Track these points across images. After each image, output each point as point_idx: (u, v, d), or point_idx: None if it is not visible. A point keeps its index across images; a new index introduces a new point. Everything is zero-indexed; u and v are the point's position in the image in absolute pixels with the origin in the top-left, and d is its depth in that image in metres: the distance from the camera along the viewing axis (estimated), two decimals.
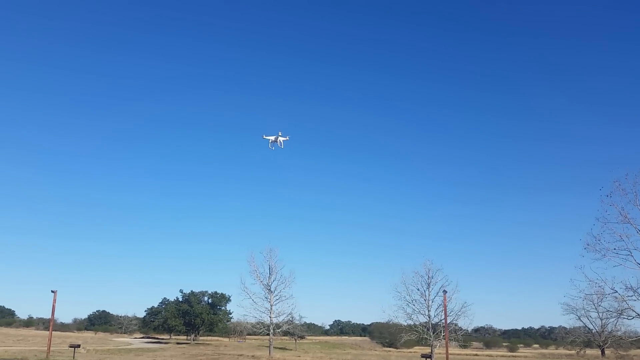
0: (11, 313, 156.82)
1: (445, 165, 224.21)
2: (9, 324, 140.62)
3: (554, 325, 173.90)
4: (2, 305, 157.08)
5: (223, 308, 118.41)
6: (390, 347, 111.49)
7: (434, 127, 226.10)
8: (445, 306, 39.60)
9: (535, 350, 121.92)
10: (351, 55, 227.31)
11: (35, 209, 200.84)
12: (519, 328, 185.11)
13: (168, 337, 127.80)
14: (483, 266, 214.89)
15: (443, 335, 42.79)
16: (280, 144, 50.72)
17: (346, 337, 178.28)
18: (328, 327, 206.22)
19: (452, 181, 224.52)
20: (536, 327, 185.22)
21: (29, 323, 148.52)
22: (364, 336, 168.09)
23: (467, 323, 48.65)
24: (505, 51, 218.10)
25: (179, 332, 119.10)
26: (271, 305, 53.28)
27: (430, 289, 45.74)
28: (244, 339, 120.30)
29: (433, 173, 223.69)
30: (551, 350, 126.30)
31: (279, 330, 56.50)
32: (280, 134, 50.82)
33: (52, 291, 39.78)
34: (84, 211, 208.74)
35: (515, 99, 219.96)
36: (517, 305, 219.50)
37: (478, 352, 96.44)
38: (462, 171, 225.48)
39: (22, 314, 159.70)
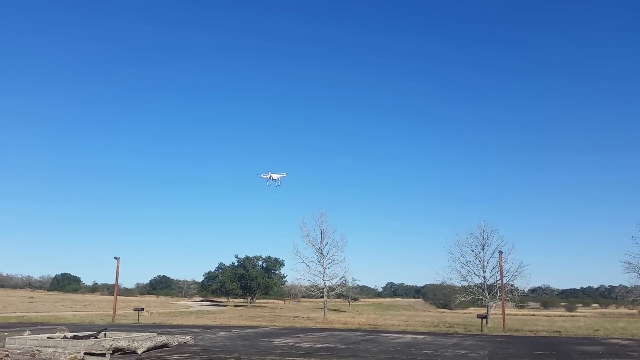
0: (77, 280, 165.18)
1: (498, 130, 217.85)
2: (75, 291, 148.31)
3: (614, 285, 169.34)
4: (68, 272, 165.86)
5: (277, 272, 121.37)
6: (444, 308, 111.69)
7: (479, 93, 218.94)
8: (501, 267, 38.98)
9: (594, 310, 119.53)
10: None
11: (96, 178, 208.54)
12: (578, 287, 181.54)
13: (225, 300, 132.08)
14: (540, 226, 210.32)
15: (499, 296, 42.30)
16: (278, 182, 53.35)
17: (399, 298, 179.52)
18: (381, 290, 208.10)
19: (506, 144, 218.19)
20: (595, 286, 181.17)
21: (94, 289, 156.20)
22: (417, 298, 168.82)
23: (524, 283, 47.86)
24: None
25: (235, 295, 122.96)
26: (324, 269, 53.90)
27: (485, 250, 45.20)
28: (299, 301, 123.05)
29: (487, 138, 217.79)
30: (611, 309, 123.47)
31: (332, 292, 57.26)
32: (280, 176, 53.93)
33: (115, 258, 41.50)
34: (143, 179, 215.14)
35: (566, 60, 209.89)
36: (576, 264, 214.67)
37: (535, 312, 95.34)
38: (514, 134, 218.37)
39: (87, 280, 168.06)
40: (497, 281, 43.62)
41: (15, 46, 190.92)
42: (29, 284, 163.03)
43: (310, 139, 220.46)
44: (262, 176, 54.04)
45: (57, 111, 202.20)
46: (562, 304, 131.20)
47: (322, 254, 53.90)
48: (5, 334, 19.03)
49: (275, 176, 53.30)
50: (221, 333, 27.34)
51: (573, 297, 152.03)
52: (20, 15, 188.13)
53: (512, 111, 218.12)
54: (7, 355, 14.77)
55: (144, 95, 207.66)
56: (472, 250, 45.69)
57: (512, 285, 45.64)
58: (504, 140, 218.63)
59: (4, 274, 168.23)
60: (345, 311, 78.92)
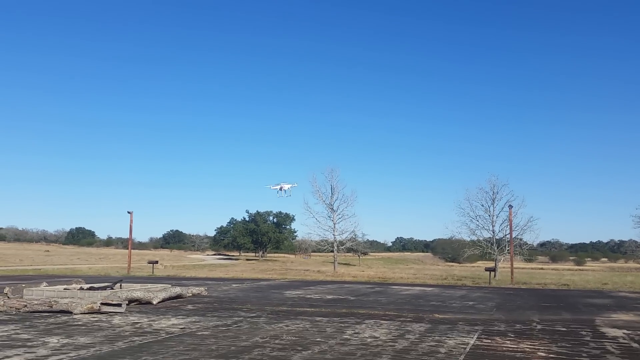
0: (91, 234, 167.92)
1: (508, 86, 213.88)
2: (90, 244, 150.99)
3: (623, 239, 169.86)
4: (82, 226, 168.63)
5: (288, 227, 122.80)
6: (452, 262, 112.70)
7: (490, 48, 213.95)
8: (510, 221, 39.13)
9: (603, 264, 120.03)
10: None
11: (110, 133, 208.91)
12: (587, 242, 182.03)
13: (237, 254, 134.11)
14: (550, 181, 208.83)
15: (507, 250, 42.63)
16: (289, 193, 53.70)
17: (408, 253, 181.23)
18: (390, 244, 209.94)
19: (517, 101, 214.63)
20: (605, 240, 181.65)
21: (109, 243, 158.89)
22: (426, 252, 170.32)
23: (533, 237, 48.17)
24: None
25: (247, 250, 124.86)
26: (334, 224, 54.44)
27: (495, 205, 45.33)
28: (309, 255, 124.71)
29: (495, 94, 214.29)
30: (620, 264, 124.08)
31: (342, 247, 57.99)
32: (291, 186, 54.24)
33: (129, 212, 42.10)
34: (156, 134, 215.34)
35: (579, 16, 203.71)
36: (586, 219, 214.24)
37: (544, 266, 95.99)
38: (525, 91, 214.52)
39: (101, 234, 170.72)
40: (506, 235, 43.88)
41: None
42: (44, 238, 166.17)
43: (319, 95, 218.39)
44: (272, 187, 54.71)
45: (70, 67, 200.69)
46: (571, 258, 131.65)
47: (332, 209, 54.33)
48: (23, 285, 19.54)
49: (285, 186, 53.92)
50: (234, 285, 27.91)
51: (582, 252, 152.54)
52: None
53: (523, 67, 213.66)
54: (25, 305, 15.21)
55: (157, 51, 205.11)
56: (482, 205, 45.86)
57: (521, 240, 45.89)
58: (514, 97, 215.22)
59: (20, 229, 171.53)
60: (355, 265, 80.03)
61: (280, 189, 53.95)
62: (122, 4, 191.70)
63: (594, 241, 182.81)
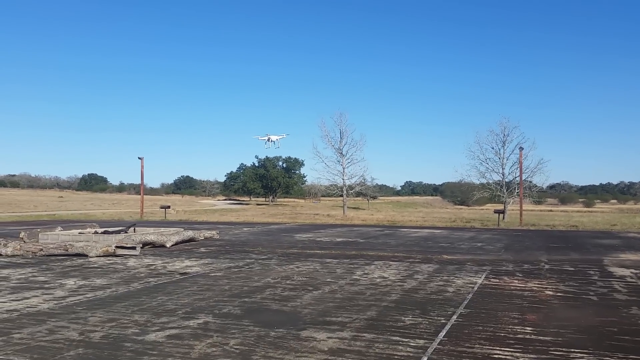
0: (104, 180, 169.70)
1: (518, 28, 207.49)
2: (102, 190, 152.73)
3: (634, 181, 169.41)
4: (94, 173, 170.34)
5: (297, 172, 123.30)
6: (462, 205, 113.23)
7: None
8: (520, 163, 38.94)
9: (612, 206, 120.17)
10: None
11: (119, 80, 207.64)
12: (597, 184, 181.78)
13: (248, 199, 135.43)
14: (560, 123, 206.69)
15: (517, 192, 42.65)
16: (277, 144, 52.16)
17: (417, 196, 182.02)
18: (399, 188, 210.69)
19: (526, 43, 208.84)
20: (615, 182, 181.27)
21: (121, 189, 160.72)
22: (436, 196, 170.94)
23: (543, 180, 48.14)
24: None
25: (257, 194, 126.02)
26: (343, 168, 54.50)
27: (505, 147, 45.05)
28: (319, 200, 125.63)
29: (507, 37, 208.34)
30: (629, 205, 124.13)
31: (351, 191, 58.30)
32: (279, 138, 52.66)
33: (139, 158, 42.36)
34: (164, 80, 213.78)
35: None
36: (595, 161, 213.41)
37: (553, 208, 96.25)
38: (535, 32, 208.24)
39: (113, 180, 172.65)
40: (515, 178, 43.83)
41: None
42: (57, 184, 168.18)
43: (326, 40, 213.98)
44: (260, 138, 53.84)
45: (79, 13, 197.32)
46: (580, 200, 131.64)
47: (341, 153, 54.28)
48: (38, 230, 19.92)
49: (274, 138, 53.04)
50: (245, 229, 28.30)
51: (592, 194, 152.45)
52: None
53: (533, 7, 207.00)
54: (41, 249, 15.55)
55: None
56: (492, 148, 45.62)
57: (530, 182, 45.86)
58: (524, 39, 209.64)
59: (33, 175, 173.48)
60: (364, 209, 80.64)
61: (268, 139, 53.53)
62: None
63: (604, 183, 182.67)
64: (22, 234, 18.90)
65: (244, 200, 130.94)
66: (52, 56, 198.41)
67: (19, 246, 15.68)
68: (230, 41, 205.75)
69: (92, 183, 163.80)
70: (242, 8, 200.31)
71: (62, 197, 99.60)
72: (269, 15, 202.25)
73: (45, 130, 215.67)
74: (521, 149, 39.03)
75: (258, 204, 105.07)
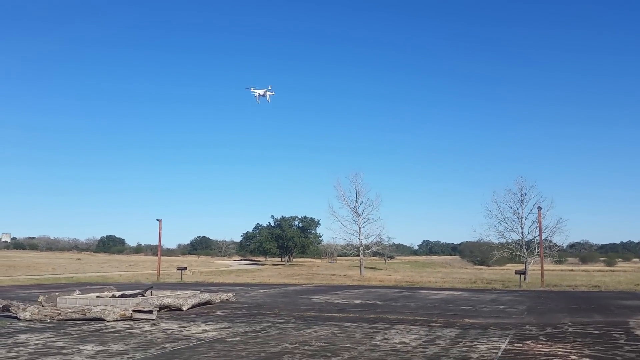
0: (122, 241, 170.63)
1: (534, 87, 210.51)
2: (120, 252, 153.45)
3: None
4: (112, 234, 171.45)
5: (313, 231, 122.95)
6: (481, 265, 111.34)
7: (515, 48, 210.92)
8: (540, 222, 38.54)
9: (635, 265, 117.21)
10: None
11: (138, 141, 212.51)
12: (617, 242, 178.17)
13: (264, 259, 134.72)
14: (578, 181, 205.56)
15: (537, 252, 41.99)
16: (268, 99, 51.59)
17: (435, 256, 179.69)
18: (417, 247, 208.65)
19: (542, 100, 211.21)
20: (636, 240, 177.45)
21: (138, 250, 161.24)
22: (454, 255, 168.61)
23: (563, 239, 47.42)
24: None
25: (273, 255, 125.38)
26: (359, 228, 54.33)
27: (523, 206, 44.81)
28: (335, 259, 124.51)
29: (523, 96, 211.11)
30: None
31: (368, 251, 57.83)
32: (270, 88, 51.95)
33: (158, 220, 42.64)
34: (179, 145, 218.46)
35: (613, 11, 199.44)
36: (615, 218, 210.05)
37: (574, 268, 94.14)
38: (551, 90, 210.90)
39: (131, 241, 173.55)
40: (535, 237, 43.26)
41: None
42: (75, 247, 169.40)
43: (343, 98, 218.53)
44: (252, 89, 52.11)
45: (97, 79, 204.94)
46: (602, 259, 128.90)
47: (357, 213, 54.25)
48: (57, 293, 19.95)
49: (261, 91, 51.76)
50: (261, 290, 28.06)
51: (613, 252, 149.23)
52: None
53: (548, 67, 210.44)
54: (59, 313, 15.54)
55: (175, 59, 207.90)
56: (510, 207, 45.37)
57: (550, 241, 45.24)
58: (540, 97, 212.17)
59: (52, 237, 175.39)
60: (381, 269, 79.64)
61: (264, 94, 51.95)
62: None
63: (625, 241, 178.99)
64: (40, 298, 18.93)
65: (259, 261, 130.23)
66: (69, 120, 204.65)
67: (37, 310, 15.69)
68: (242, 102, 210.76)
69: (110, 244, 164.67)
70: (252, 73, 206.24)
71: (80, 259, 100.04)
72: (284, 74, 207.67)
73: (65, 194, 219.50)
74: (539, 208, 38.75)
75: (274, 264, 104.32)
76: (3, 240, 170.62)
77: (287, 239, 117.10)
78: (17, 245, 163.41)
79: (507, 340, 11.43)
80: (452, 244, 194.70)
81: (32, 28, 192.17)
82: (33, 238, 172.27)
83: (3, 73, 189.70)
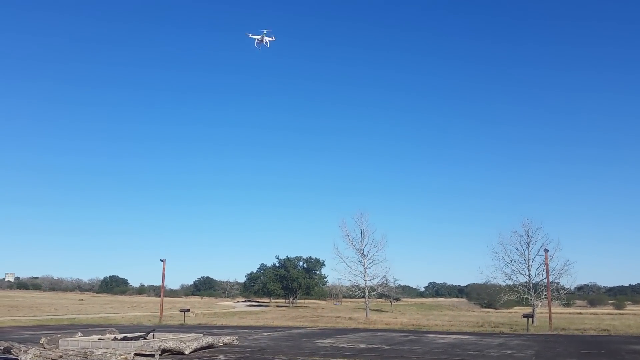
0: (124, 282, 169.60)
1: (539, 126, 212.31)
2: (123, 292, 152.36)
3: None
4: (115, 275, 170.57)
5: (318, 272, 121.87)
6: (488, 307, 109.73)
7: (520, 86, 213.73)
8: (547, 265, 38.13)
9: None
10: None
11: (143, 182, 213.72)
12: (626, 285, 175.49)
13: (268, 300, 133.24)
14: (586, 224, 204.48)
15: (545, 295, 41.41)
16: (267, 44, 50.77)
17: (442, 298, 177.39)
18: (423, 289, 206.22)
19: (548, 141, 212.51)
20: None
21: (141, 290, 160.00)
22: (461, 297, 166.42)
23: (570, 281, 46.75)
24: None
25: (277, 296, 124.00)
26: (365, 269, 53.77)
27: (530, 249, 44.38)
28: (340, 301, 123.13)
29: (529, 135, 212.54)
30: None
31: (374, 292, 57.09)
32: (265, 33, 51.00)
33: (161, 260, 42.47)
34: (183, 186, 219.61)
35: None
36: (623, 261, 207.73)
37: (582, 311, 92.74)
38: (556, 130, 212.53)
39: (134, 282, 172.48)
40: (542, 280, 42.74)
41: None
42: (78, 287, 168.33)
43: (352, 140, 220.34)
44: (251, 36, 51.88)
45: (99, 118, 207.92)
46: (610, 301, 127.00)
47: (362, 254, 53.80)
48: (59, 335, 19.76)
49: (257, 37, 51.06)
50: (265, 333, 27.67)
51: (621, 294, 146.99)
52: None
53: (553, 107, 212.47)
54: (61, 356, 15.35)
55: (184, 99, 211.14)
56: (517, 249, 44.96)
57: (558, 284, 44.66)
58: (545, 137, 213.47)
59: (55, 277, 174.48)
60: (387, 311, 78.61)
61: (262, 39, 51.31)
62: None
63: (634, 283, 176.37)
64: (42, 340, 18.73)
65: (263, 302, 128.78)
66: (73, 160, 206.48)
67: (39, 352, 15.50)
68: (248, 144, 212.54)
69: (113, 285, 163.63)
70: (254, 120, 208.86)
71: (82, 300, 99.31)
72: (287, 116, 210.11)
73: (68, 234, 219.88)
74: (546, 250, 38.44)
75: (278, 306, 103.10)
76: (7, 280, 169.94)
77: (291, 279, 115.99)
78: (20, 284, 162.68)
79: None
80: (459, 285, 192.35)
81: (38, 68, 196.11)
82: (36, 278, 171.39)
83: (4, 112, 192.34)
